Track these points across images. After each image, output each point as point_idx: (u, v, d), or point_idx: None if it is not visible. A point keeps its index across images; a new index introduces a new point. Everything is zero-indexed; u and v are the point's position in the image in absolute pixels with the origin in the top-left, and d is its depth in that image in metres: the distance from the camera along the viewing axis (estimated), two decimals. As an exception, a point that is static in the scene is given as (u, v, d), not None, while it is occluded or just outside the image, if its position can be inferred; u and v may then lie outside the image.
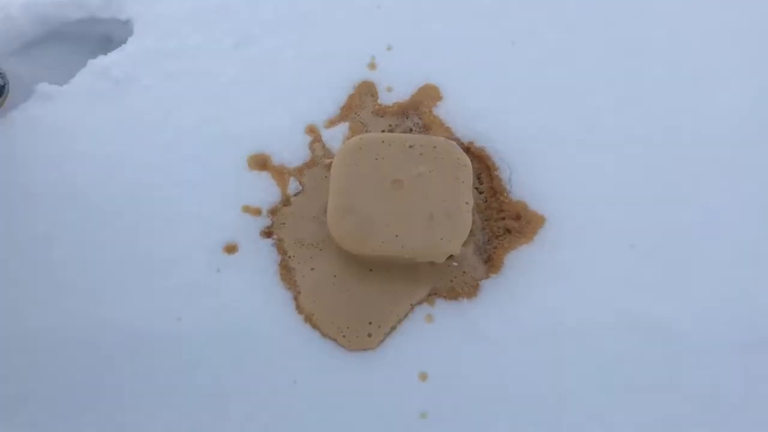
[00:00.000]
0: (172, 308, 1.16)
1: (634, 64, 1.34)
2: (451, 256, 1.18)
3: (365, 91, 1.36)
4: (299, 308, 1.16)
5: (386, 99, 1.35)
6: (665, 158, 1.25)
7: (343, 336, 1.14)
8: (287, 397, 1.10)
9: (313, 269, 1.20)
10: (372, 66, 1.38)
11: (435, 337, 1.13)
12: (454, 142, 1.22)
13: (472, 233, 1.22)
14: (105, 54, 1.39)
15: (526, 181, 1.26)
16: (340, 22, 1.41)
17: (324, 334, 1.14)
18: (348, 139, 1.30)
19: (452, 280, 1.20)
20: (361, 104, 1.35)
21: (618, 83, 1.33)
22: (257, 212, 1.24)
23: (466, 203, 1.15)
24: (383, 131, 1.32)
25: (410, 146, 1.21)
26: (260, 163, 1.29)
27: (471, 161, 1.26)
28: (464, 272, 1.20)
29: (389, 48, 1.39)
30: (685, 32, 1.37)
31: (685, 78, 1.33)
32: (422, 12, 1.41)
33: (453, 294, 1.17)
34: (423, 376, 1.11)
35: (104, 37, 1.48)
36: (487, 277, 1.18)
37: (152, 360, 1.13)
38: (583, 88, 1.33)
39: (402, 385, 1.10)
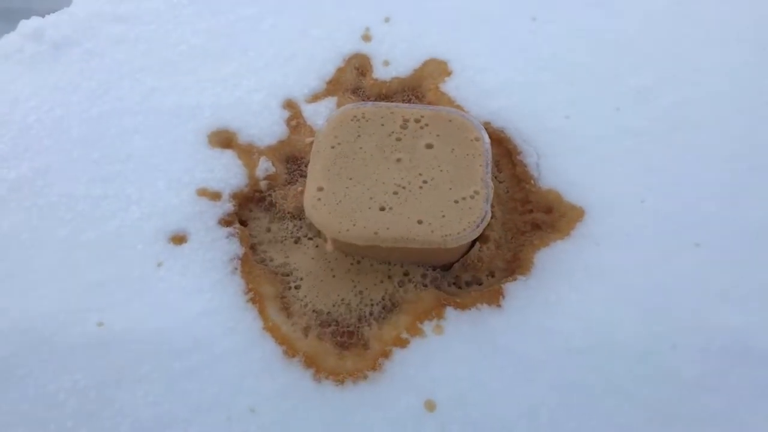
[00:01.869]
0: (91, 308, 0.86)
1: (678, 38, 1.12)
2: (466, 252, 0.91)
3: (357, 65, 1.12)
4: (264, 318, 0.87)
5: (383, 74, 1.11)
6: (735, 141, 1.00)
7: None
8: (241, 430, 0.79)
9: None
10: (366, 38, 1.14)
11: (445, 354, 0.84)
12: (470, 116, 0.97)
13: (490, 227, 0.95)
14: (42, 16, 1.15)
15: (558, 167, 1.00)
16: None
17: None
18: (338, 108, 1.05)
19: (467, 281, 0.92)
20: (352, 79, 1.10)
21: (662, 60, 1.10)
22: (216, 196, 0.96)
23: (479, 190, 0.89)
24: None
25: (416, 120, 0.96)
26: (224, 140, 1.03)
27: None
28: (488, 274, 0.92)
29: (387, 20, 1.16)
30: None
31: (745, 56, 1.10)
32: (427, -19, 1.19)
33: (469, 300, 0.88)
34: (430, 405, 0.80)
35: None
36: (514, 279, 0.90)
37: (60, 374, 0.81)
38: (624, 67, 1.09)
39: (401, 417, 0.80)
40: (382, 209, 0.87)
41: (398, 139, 0.93)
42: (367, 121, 0.95)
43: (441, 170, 0.91)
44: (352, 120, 0.95)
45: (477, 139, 0.93)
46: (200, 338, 0.84)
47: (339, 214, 0.87)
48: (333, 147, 0.92)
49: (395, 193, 0.88)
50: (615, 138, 1.02)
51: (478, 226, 0.86)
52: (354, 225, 0.86)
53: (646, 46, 1.11)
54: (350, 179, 0.89)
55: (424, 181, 0.90)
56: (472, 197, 0.88)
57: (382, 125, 0.95)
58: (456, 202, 0.88)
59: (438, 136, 0.94)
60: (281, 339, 0.85)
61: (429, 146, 0.93)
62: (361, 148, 0.92)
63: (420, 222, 0.86)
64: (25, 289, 0.87)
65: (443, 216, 0.87)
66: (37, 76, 1.08)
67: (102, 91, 1.06)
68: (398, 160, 0.92)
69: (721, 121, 1.03)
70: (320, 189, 0.88)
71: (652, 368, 0.83)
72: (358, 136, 0.94)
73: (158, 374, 0.81)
